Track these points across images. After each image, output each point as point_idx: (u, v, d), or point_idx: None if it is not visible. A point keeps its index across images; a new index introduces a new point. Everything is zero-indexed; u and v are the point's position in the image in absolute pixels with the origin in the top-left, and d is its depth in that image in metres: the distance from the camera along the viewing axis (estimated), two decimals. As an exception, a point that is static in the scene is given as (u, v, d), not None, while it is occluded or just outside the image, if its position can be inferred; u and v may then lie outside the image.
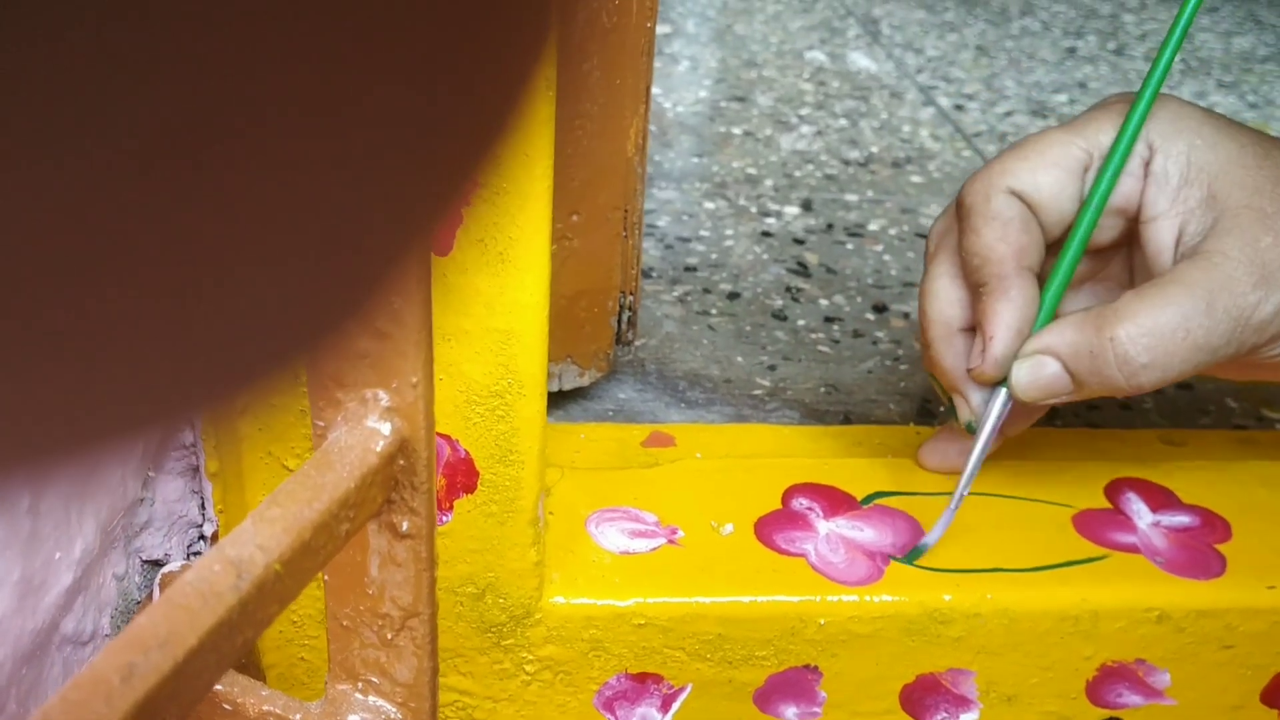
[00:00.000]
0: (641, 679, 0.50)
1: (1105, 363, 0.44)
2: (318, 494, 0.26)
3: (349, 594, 0.30)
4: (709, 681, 0.50)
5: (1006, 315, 0.46)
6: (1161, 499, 0.55)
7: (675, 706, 0.51)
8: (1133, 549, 0.52)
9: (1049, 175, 0.47)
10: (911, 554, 0.50)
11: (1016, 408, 0.50)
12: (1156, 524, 0.54)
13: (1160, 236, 0.46)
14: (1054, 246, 0.49)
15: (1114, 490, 0.55)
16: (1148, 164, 0.46)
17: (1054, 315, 0.48)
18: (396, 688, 0.31)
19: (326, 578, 0.31)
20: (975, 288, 0.48)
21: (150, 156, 0.08)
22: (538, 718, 0.51)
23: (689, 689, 0.50)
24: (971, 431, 0.50)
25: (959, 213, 0.48)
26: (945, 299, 0.49)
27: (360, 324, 0.28)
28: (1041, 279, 0.48)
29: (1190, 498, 0.55)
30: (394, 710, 0.31)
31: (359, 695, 0.31)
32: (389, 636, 0.30)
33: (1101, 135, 0.47)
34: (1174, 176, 0.46)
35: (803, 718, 0.51)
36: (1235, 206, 0.44)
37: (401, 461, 0.28)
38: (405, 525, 0.29)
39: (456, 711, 0.51)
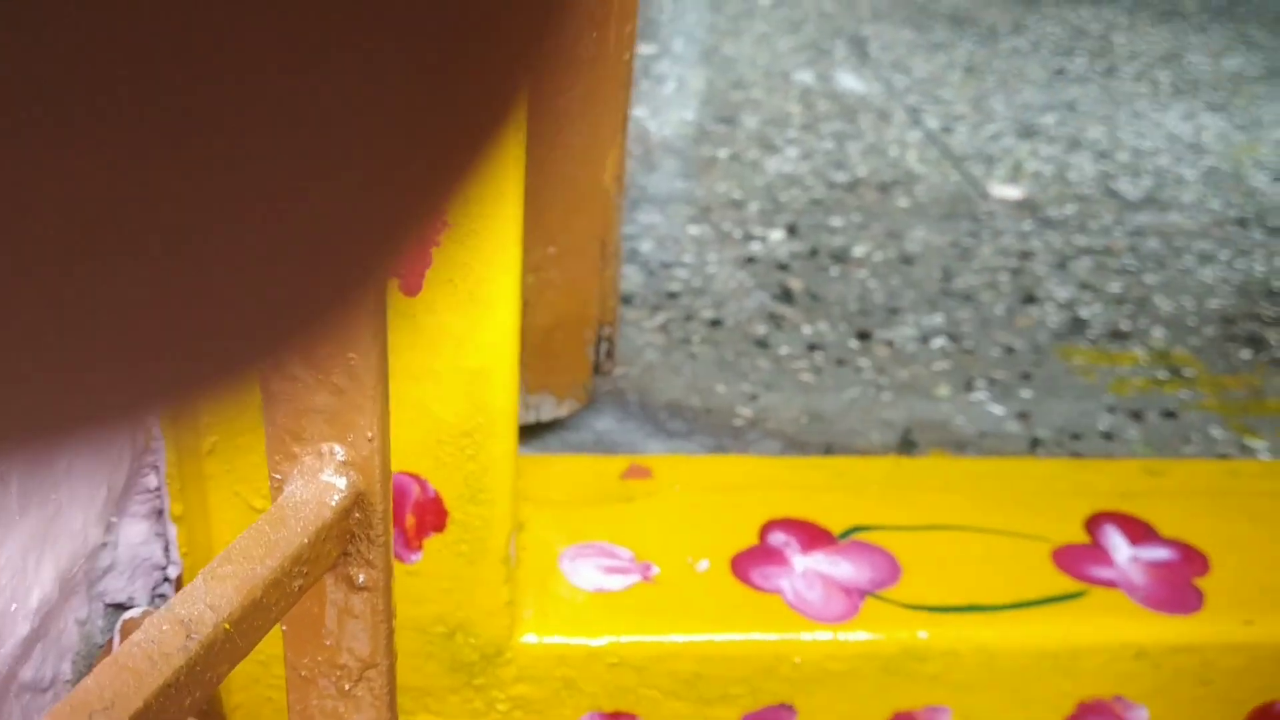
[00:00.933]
0: (615, 718, 0.50)
1: None
2: (271, 550, 0.26)
3: (307, 645, 0.30)
4: (684, 720, 0.50)
5: None
6: (1141, 532, 0.55)
7: (650, 744, 0.50)
8: (1111, 584, 0.52)
9: None
10: None
11: None
12: (1135, 558, 0.53)
13: None
14: None
15: (1093, 524, 0.55)
16: None
17: None
18: (355, 740, 0.30)
19: (284, 628, 0.30)
20: None
21: (128, 156, 0.08)
22: (511, 756, 0.50)
23: (664, 727, 0.50)
24: None
25: None
26: None
27: (311, 360, 0.28)
28: None
29: (1170, 531, 0.55)
30: (352, 763, 0.30)
31: (317, 747, 0.31)
32: (346, 687, 0.30)
33: None
34: None
35: (779, 755, 0.51)
36: None
37: (357, 515, 0.28)
38: (362, 578, 0.28)
39: (429, 750, 0.50)
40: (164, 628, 0.23)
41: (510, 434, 0.44)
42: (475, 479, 0.45)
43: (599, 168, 0.60)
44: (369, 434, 0.26)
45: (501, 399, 0.43)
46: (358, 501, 0.27)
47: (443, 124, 0.09)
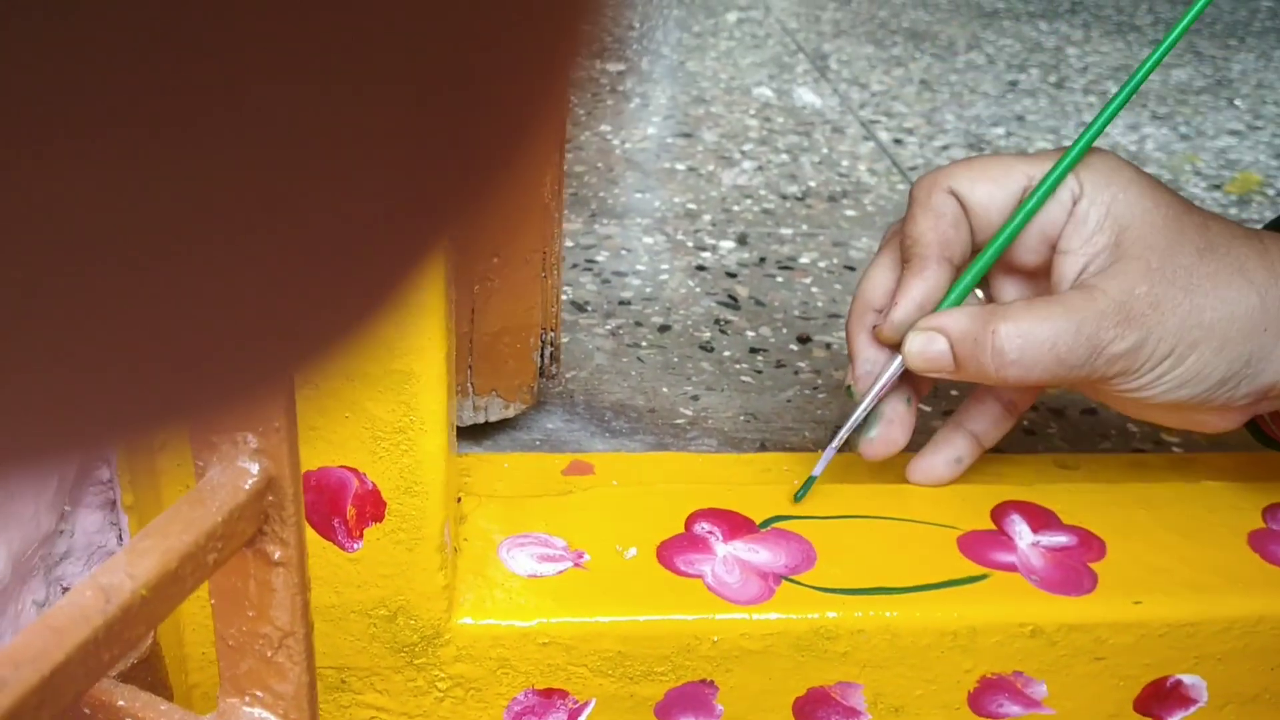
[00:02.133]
0: (548, 694, 0.53)
1: (982, 350, 0.49)
2: (188, 528, 0.29)
3: (233, 616, 0.34)
4: (611, 696, 0.53)
5: (915, 290, 0.52)
6: (1043, 520, 0.59)
7: (581, 720, 0.54)
8: (1011, 568, 0.55)
9: (986, 186, 0.52)
10: (801, 492, 0.58)
11: (988, 412, 0.58)
12: (1036, 544, 0.57)
13: (1066, 268, 0.52)
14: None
15: (1000, 512, 0.59)
16: (1075, 203, 0.51)
17: (960, 304, 0.53)
18: (278, 701, 0.34)
19: (214, 602, 0.34)
20: (903, 267, 0.53)
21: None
22: (452, 732, 0.54)
23: (593, 703, 0.54)
24: (850, 396, 0.55)
25: (908, 205, 0.54)
26: (875, 281, 0.55)
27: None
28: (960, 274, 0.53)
29: (1070, 519, 0.59)
30: (277, 721, 0.34)
31: (247, 708, 0.35)
32: (269, 654, 0.34)
33: (1045, 166, 0.51)
34: (1091, 221, 0.51)
35: (702, 730, 0.55)
36: (1130, 256, 0.49)
37: (270, 497, 0.31)
38: (277, 554, 0.32)
39: (375, 727, 0.54)
40: (87, 593, 0.27)
41: (441, 431, 0.48)
42: (410, 472, 0.48)
43: (539, 184, 0.63)
44: (276, 423, 0.30)
45: (431, 399, 0.47)
46: (270, 485, 0.31)
47: (454, 148, 0.09)
